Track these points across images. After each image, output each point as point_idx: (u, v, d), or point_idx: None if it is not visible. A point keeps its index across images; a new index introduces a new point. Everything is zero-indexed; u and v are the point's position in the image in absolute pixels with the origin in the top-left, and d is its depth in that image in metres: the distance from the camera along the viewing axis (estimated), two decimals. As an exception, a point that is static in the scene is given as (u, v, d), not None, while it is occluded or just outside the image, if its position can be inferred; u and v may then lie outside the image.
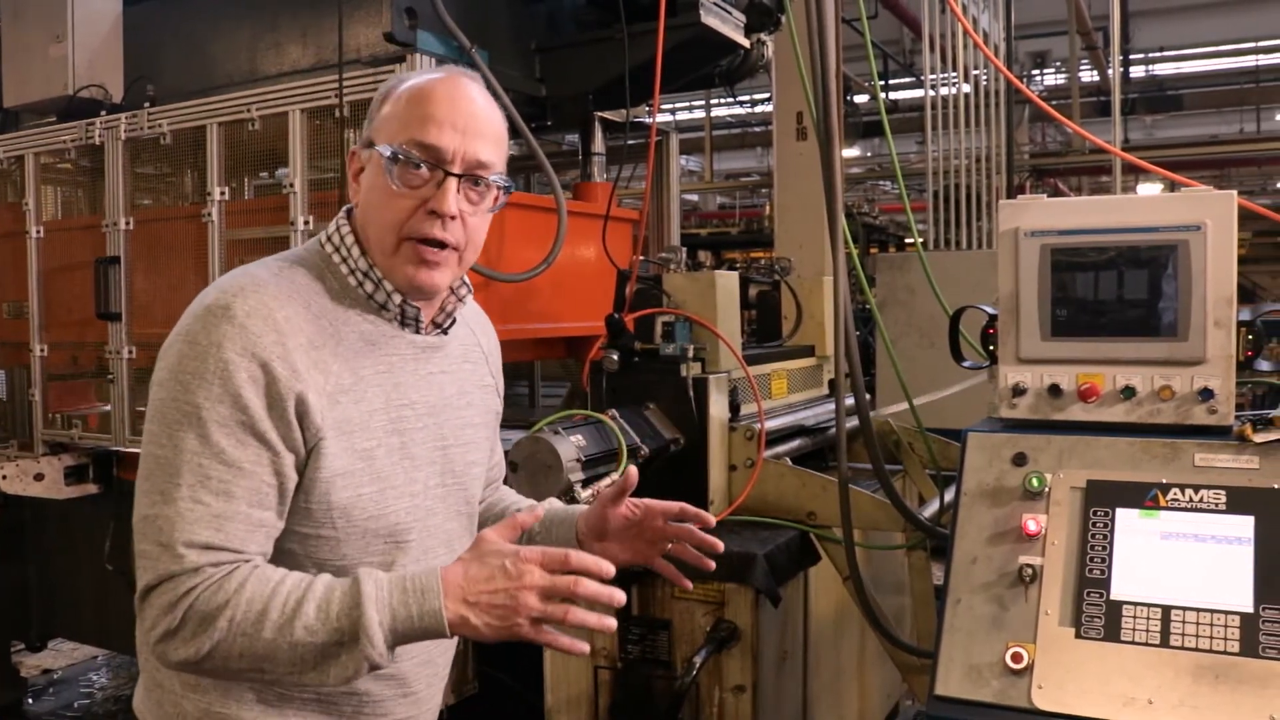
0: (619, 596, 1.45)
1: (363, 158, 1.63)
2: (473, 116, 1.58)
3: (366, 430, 1.57)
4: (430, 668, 1.75)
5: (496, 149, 1.63)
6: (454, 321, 1.74)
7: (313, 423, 1.51)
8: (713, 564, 1.85)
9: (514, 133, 3.49)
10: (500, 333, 2.92)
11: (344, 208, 1.69)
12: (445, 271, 1.61)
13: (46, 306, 4.49)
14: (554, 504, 1.99)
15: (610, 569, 1.47)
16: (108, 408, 4.27)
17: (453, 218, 1.57)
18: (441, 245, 1.58)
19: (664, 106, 16.87)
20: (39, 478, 4.24)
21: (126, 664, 5.80)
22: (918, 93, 12.89)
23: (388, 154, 1.55)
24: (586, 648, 1.49)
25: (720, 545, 1.82)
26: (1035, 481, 1.95)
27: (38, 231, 4.48)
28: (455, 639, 1.65)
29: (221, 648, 1.42)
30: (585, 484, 2.69)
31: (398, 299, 1.62)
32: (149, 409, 1.53)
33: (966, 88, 7.73)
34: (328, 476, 1.53)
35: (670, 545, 1.85)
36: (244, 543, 1.47)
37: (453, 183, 1.56)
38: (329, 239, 1.65)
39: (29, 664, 5.61)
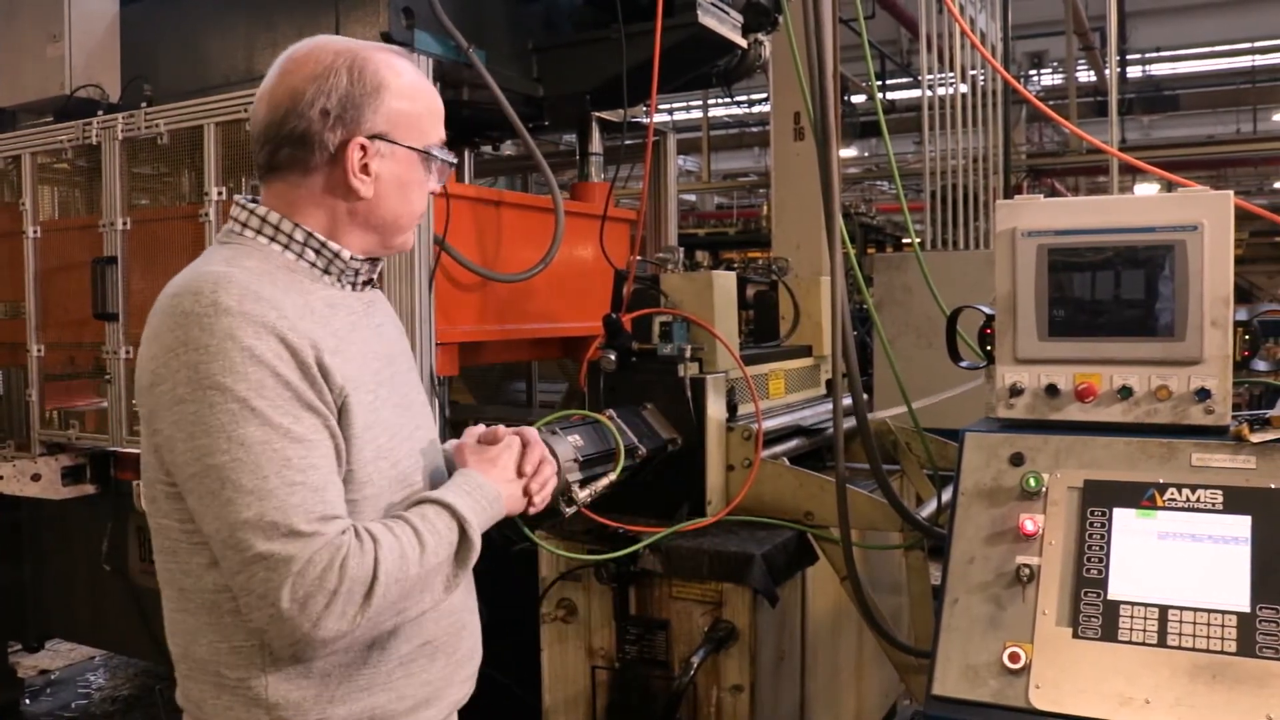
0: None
1: (382, 151, 1.65)
2: None
3: (361, 385, 1.62)
4: (471, 596, 1.90)
5: None
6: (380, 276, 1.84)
7: (334, 381, 1.56)
8: None
9: (511, 133, 3.49)
10: (497, 332, 2.95)
11: (245, 195, 1.71)
12: None
13: (43, 307, 4.48)
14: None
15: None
16: (104, 403, 4.26)
17: None
18: None
19: (661, 106, 16.86)
20: (36, 478, 4.23)
21: (124, 665, 5.80)
22: (915, 93, 12.90)
23: (440, 155, 1.71)
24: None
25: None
26: (1032, 481, 1.95)
27: (34, 231, 4.47)
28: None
29: (383, 601, 1.49)
30: (583, 484, 2.69)
31: (346, 254, 1.68)
32: (176, 429, 1.49)
33: (964, 88, 7.74)
34: (359, 431, 1.59)
35: None
36: (342, 505, 1.53)
37: None
38: (245, 225, 1.67)
39: (26, 665, 5.60)
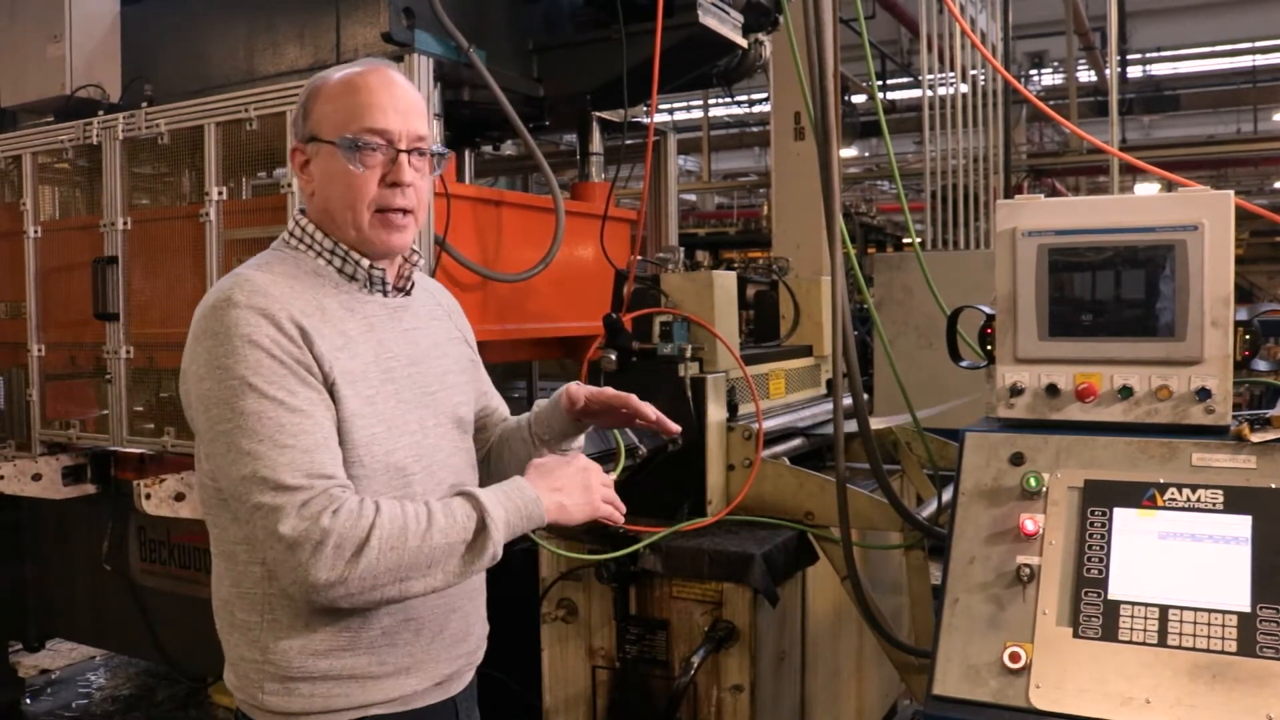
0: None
1: (309, 151, 1.86)
2: (407, 100, 1.85)
3: (365, 380, 1.79)
4: (471, 585, 1.97)
5: (428, 123, 1.91)
6: (413, 283, 1.97)
7: (325, 369, 1.73)
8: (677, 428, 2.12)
9: (512, 133, 3.50)
10: (498, 332, 2.90)
11: (298, 209, 1.93)
12: (409, 232, 1.88)
13: (44, 307, 4.48)
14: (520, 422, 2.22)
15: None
16: (105, 412, 4.27)
17: (409, 185, 1.84)
18: (404, 210, 1.84)
19: (662, 106, 16.87)
20: (36, 478, 4.23)
21: (124, 664, 5.80)
22: (915, 93, 12.91)
23: (346, 142, 1.79)
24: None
25: (673, 427, 2.09)
26: (1033, 481, 1.95)
27: (35, 231, 4.48)
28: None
29: (375, 564, 1.62)
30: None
31: (365, 264, 1.86)
32: (198, 404, 1.72)
33: (964, 88, 7.73)
34: (347, 416, 1.74)
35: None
36: (336, 469, 1.68)
37: (404, 158, 1.83)
38: (291, 234, 1.90)
39: (27, 664, 5.60)
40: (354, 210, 1.82)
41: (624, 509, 1.94)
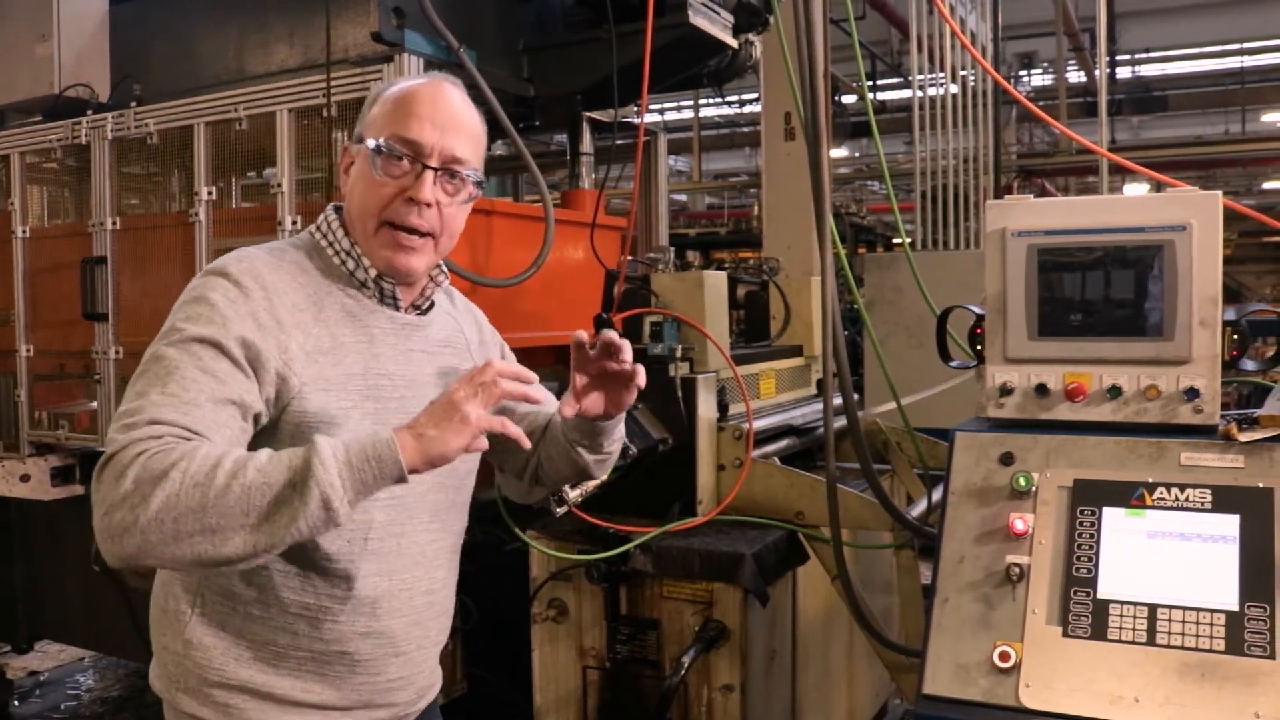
0: (534, 394, 1.65)
1: (354, 152, 1.79)
2: (451, 116, 1.76)
3: (343, 391, 1.68)
4: (420, 629, 1.84)
5: (472, 147, 1.79)
6: (432, 304, 1.87)
7: (295, 370, 1.63)
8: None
9: (501, 133, 3.49)
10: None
11: (332, 204, 1.84)
12: (421, 257, 1.76)
13: (32, 307, 4.47)
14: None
15: (531, 375, 1.63)
16: (94, 404, 4.25)
17: (429, 205, 1.72)
18: (417, 232, 1.73)
19: (652, 107, 16.85)
20: (25, 479, 4.21)
21: (113, 665, 5.78)
22: (905, 93, 12.91)
23: (373, 146, 1.71)
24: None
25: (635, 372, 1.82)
26: (1022, 481, 1.95)
27: (23, 232, 4.46)
28: (447, 601, 1.88)
29: (175, 501, 1.41)
30: (574, 484, 2.69)
31: (374, 273, 1.76)
32: None
33: (954, 88, 7.76)
34: (313, 421, 1.63)
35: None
36: (208, 429, 1.52)
37: (429, 174, 1.71)
38: (318, 227, 1.81)
39: (15, 666, 5.58)
40: (365, 219, 1.74)
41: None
